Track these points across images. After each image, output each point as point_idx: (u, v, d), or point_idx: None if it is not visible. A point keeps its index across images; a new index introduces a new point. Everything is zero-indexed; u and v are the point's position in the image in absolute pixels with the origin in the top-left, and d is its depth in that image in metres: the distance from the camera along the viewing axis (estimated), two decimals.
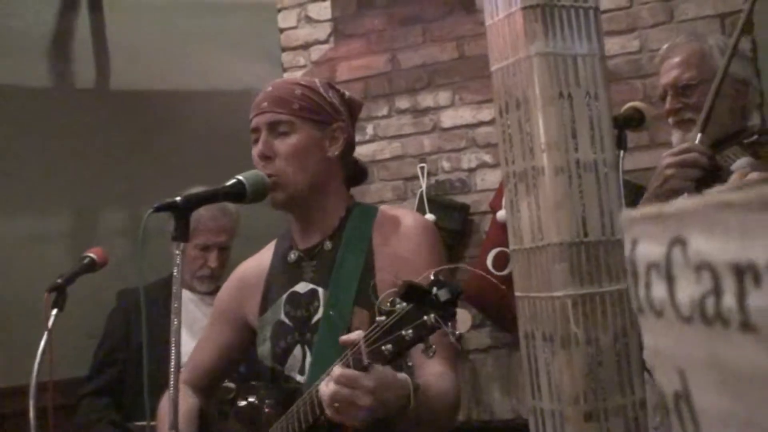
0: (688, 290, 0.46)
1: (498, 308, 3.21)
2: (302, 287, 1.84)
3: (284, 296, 1.85)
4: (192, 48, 3.66)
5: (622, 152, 2.00)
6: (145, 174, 3.42)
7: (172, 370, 1.41)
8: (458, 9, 3.62)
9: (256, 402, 1.86)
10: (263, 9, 3.90)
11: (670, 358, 0.50)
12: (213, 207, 2.85)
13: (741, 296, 0.41)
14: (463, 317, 3.34)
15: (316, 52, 3.87)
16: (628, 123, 2.09)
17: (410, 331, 1.37)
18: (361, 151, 3.51)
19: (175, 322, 1.42)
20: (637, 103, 2.14)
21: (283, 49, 3.92)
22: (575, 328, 1.50)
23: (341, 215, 1.85)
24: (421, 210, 3.47)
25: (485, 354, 3.50)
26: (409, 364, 1.55)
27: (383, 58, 3.75)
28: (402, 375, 1.49)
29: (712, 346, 0.44)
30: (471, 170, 3.58)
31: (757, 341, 0.41)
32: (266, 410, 1.81)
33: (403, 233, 1.79)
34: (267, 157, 1.78)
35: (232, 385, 2.17)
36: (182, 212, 1.51)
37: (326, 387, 1.45)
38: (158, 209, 1.51)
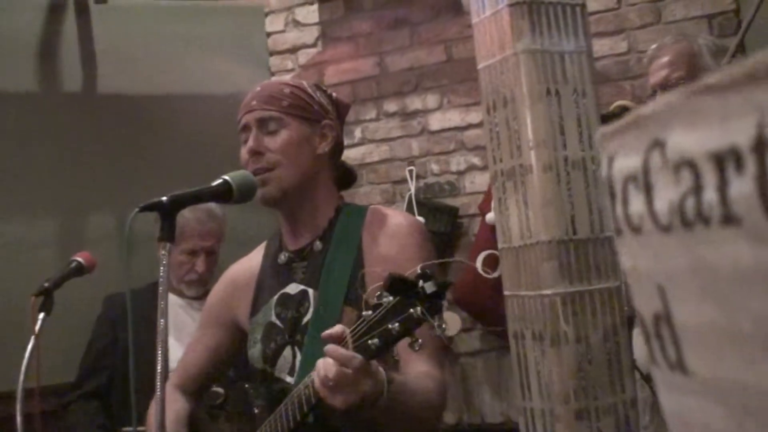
0: (666, 196, 0.45)
1: (488, 308, 3.20)
2: (293, 288, 1.83)
3: (275, 298, 1.84)
4: (180, 52, 3.64)
5: None
6: (133, 178, 3.40)
7: (159, 370, 1.40)
8: (446, 12, 3.62)
9: (246, 404, 1.85)
10: (251, 13, 3.89)
11: (649, 277, 0.49)
12: (199, 211, 2.84)
13: (722, 187, 0.40)
14: (453, 320, 3.34)
15: (303, 56, 3.87)
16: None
17: (396, 324, 1.36)
18: (350, 155, 3.51)
19: (162, 322, 1.41)
20: (625, 102, 2.15)
21: (271, 53, 3.91)
22: (565, 326, 1.50)
23: (330, 215, 1.85)
24: (410, 213, 3.45)
25: (475, 357, 3.50)
26: (396, 358, 1.53)
27: (371, 61, 3.74)
28: (375, 363, 1.45)
29: (693, 251, 0.43)
30: (460, 173, 3.57)
31: (738, 234, 0.40)
32: (256, 411, 1.80)
33: (393, 233, 1.78)
34: (257, 153, 1.78)
35: (220, 389, 2.15)
36: (168, 212, 1.50)
37: (324, 365, 1.42)
38: (144, 209, 1.49)
